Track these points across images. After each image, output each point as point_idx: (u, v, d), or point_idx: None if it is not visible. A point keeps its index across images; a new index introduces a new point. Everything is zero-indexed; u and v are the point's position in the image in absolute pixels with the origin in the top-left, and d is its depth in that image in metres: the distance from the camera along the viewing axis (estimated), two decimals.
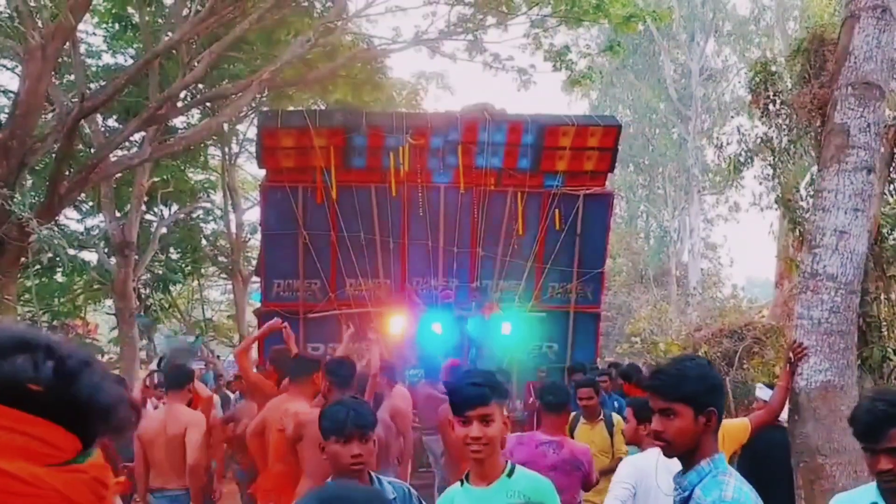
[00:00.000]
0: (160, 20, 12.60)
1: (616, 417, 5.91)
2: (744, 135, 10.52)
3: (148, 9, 12.07)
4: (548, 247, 10.03)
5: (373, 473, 2.88)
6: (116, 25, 14.12)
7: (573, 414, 5.61)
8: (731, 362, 10.04)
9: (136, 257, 14.79)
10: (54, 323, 16.07)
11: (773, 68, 8.70)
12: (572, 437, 5.24)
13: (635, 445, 4.28)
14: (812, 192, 7.12)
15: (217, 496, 6.37)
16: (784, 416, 4.42)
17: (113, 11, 13.44)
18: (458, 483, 2.66)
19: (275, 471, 4.77)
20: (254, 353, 7.44)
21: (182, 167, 16.95)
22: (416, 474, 7.57)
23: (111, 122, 14.96)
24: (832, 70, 5.10)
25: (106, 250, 15.72)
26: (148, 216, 16.88)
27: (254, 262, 17.30)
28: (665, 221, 27.43)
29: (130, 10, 13.27)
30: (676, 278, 25.02)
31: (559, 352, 10.30)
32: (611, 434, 5.80)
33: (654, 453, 3.48)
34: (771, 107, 8.56)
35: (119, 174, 13.20)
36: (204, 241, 19.61)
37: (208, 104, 13.87)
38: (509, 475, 2.58)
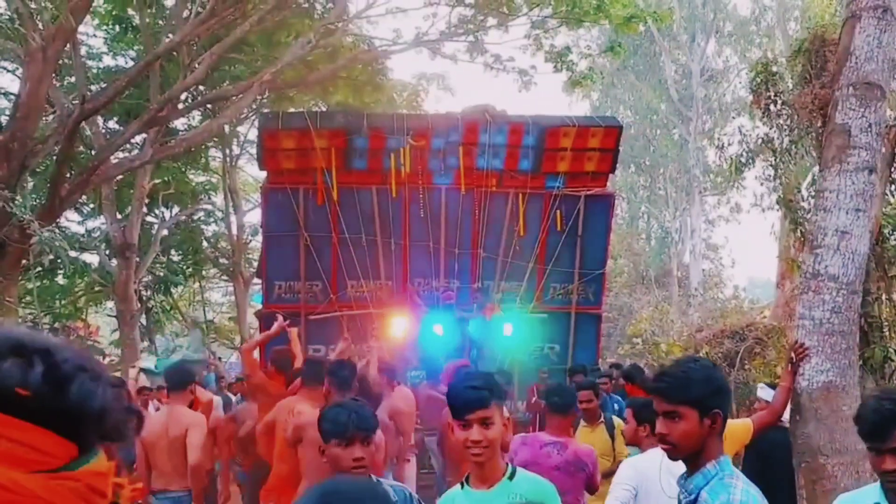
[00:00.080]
0: (161, 22, 12.61)
1: (616, 420, 5.89)
2: (745, 135, 10.49)
3: (148, 10, 12.07)
4: (549, 248, 10.03)
5: (374, 477, 2.86)
6: (117, 27, 14.13)
7: None
8: (733, 363, 10.02)
9: (138, 259, 14.81)
10: (56, 325, 16.09)
11: (774, 69, 8.69)
12: None
13: (635, 446, 4.28)
14: (813, 193, 7.12)
15: (223, 499, 6.37)
16: (786, 416, 4.41)
17: (113, 13, 13.44)
18: (459, 485, 2.64)
19: (277, 471, 4.77)
20: (254, 353, 7.44)
21: (183, 169, 16.96)
22: (418, 475, 7.56)
23: (112, 124, 14.98)
24: (833, 70, 5.10)
25: (107, 252, 15.74)
26: (149, 218, 16.89)
27: (255, 264, 17.29)
28: (666, 222, 27.41)
29: (131, 11, 13.27)
30: (678, 279, 24.99)
31: (560, 353, 10.30)
32: (612, 436, 5.79)
33: (654, 454, 3.47)
34: (772, 107, 8.54)
35: (120, 176, 13.22)
36: (205, 243, 19.62)
37: (209, 106, 13.87)
38: (510, 478, 2.56)
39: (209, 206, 19.78)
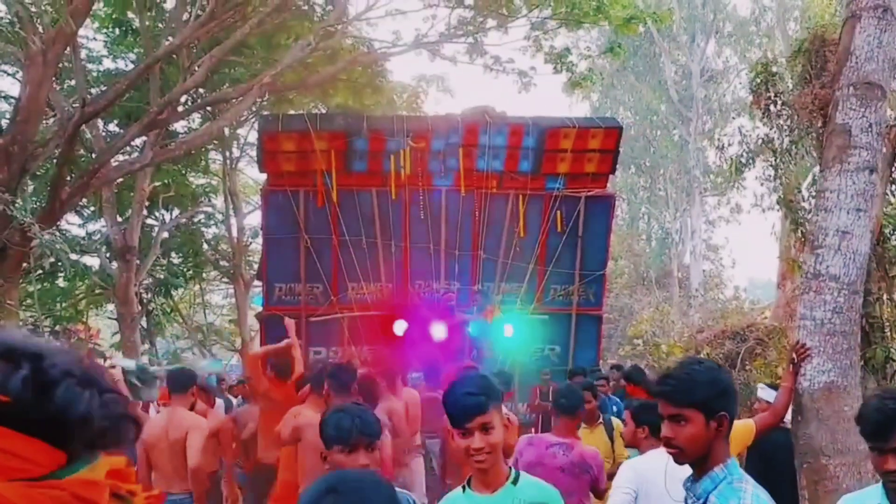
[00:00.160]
0: (160, 25, 12.61)
1: (616, 421, 5.89)
2: (745, 136, 10.49)
3: (148, 14, 12.07)
4: (549, 249, 10.02)
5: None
6: (117, 30, 14.13)
7: None
8: (734, 364, 10.02)
9: (138, 262, 14.80)
10: (56, 328, 16.08)
11: (774, 69, 8.68)
12: None
13: (634, 448, 4.27)
14: (814, 193, 7.10)
15: (230, 502, 6.35)
16: (787, 417, 4.40)
17: (113, 16, 13.45)
18: (460, 489, 2.58)
19: (283, 479, 4.77)
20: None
21: (183, 172, 16.94)
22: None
23: (112, 127, 14.98)
24: (833, 70, 5.09)
25: (108, 255, 15.73)
26: (149, 221, 16.87)
27: (255, 266, 17.28)
28: (667, 223, 27.41)
29: (131, 14, 13.28)
30: (678, 280, 24.99)
31: (561, 354, 10.30)
32: (611, 438, 5.79)
33: (654, 456, 3.46)
34: (772, 107, 8.54)
35: (120, 179, 13.21)
36: (205, 246, 19.60)
37: (209, 108, 13.88)
38: (514, 482, 2.50)
39: (209, 209, 19.77)
